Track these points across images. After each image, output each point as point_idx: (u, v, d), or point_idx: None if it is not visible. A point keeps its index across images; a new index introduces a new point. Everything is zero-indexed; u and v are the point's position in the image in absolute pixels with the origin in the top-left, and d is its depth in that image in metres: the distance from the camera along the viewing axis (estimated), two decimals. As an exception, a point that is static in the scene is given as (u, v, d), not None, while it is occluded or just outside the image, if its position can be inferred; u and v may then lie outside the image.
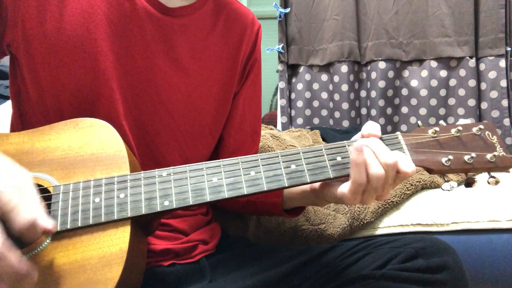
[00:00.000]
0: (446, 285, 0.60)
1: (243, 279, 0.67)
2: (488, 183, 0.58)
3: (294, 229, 0.92)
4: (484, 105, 1.55)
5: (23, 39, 0.61)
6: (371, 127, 0.58)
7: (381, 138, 0.58)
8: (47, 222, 0.46)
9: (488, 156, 0.57)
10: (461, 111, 1.57)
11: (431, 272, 0.61)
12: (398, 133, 0.60)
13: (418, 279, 0.60)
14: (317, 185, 0.63)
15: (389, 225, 0.97)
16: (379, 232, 0.96)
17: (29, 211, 0.44)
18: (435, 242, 0.65)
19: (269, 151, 1.06)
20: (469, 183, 0.58)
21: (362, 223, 0.95)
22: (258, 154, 0.57)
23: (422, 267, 0.61)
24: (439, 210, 0.95)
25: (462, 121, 0.61)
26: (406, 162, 0.54)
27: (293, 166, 0.56)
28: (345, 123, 1.70)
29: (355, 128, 1.60)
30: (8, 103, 1.29)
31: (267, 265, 0.69)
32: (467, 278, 0.62)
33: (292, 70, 1.81)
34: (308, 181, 0.56)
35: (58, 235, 0.51)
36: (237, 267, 0.71)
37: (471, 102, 1.54)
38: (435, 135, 0.59)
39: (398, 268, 0.62)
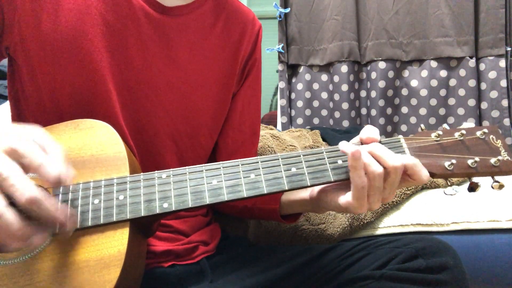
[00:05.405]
0: (446, 285, 0.60)
1: (243, 279, 0.67)
2: (492, 187, 0.56)
3: (294, 229, 0.92)
4: (484, 105, 1.55)
5: (20, 40, 0.61)
6: (370, 131, 0.57)
7: (380, 142, 0.57)
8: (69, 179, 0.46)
9: (492, 160, 0.56)
10: (461, 111, 1.56)
11: (431, 272, 0.61)
12: (400, 136, 0.59)
13: (418, 279, 0.60)
14: (316, 192, 0.63)
15: (389, 225, 0.96)
16: (379, 232, 0.96)
17: (58, 164, 0.45)
18: (435, 242, 0.65)
19: (269, 151, 1.06)
20: (472, 187, 0.57)
21: (362, 223, 0.95)
22: (258, 157, 0.56)
23: (422, 267, 0.61)
24: (439, 210, 0.95)
25: (466, 125, 0.60)
26: (421, 169, 0.54)
27: (293, 169, 0.56)
28: (345, 123, 1.70)
29: (355, 128, 1.60)
30: (8, 103, 1.29)
31: (267, 266, 0.69)
32: (467, 278, 0.62)
33: (292, 70, 1.80)
34: (309, 184, 0.55)
35: (57, 237, 0.51)
36: (237, 267, 0.71)
37: (471, 102, 1.54)
38: (438, 138, 0.58)
39: (398, 268, 0.62)
